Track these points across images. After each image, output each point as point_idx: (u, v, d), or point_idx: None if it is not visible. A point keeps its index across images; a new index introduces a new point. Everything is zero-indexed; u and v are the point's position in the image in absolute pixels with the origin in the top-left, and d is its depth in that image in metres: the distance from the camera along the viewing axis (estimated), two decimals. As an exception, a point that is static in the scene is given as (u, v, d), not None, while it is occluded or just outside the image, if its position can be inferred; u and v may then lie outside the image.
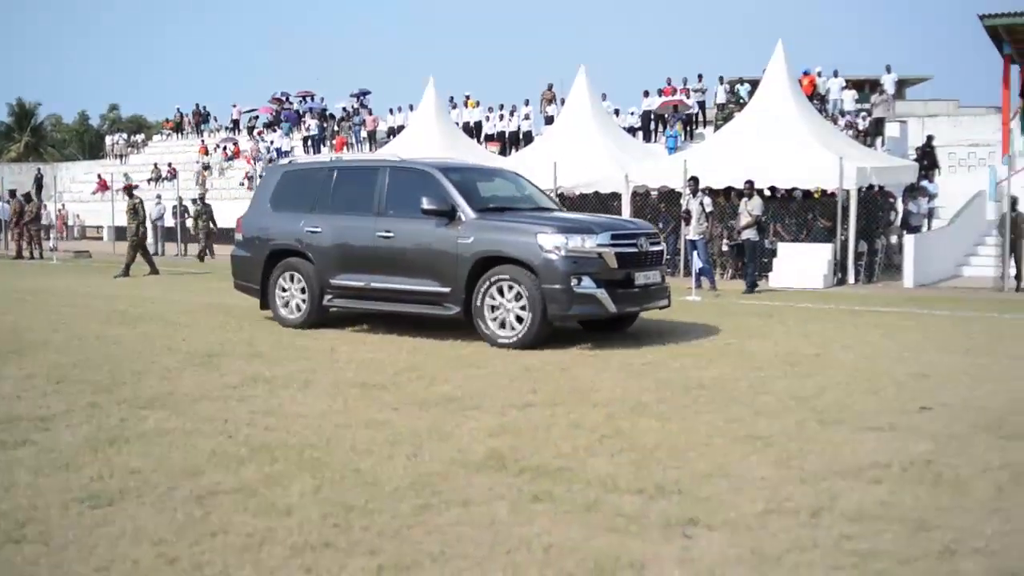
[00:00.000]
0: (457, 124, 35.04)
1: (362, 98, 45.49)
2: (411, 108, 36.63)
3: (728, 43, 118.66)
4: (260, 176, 36.83)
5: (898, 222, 22.67)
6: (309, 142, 43.03)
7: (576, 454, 5.94)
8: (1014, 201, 19.40)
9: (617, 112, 35.09)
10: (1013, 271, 18.95)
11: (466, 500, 4.99)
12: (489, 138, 37.10)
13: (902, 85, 37.57)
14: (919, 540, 4.41)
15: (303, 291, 12.07)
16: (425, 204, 10.86)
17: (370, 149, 38.97)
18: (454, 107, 38.16)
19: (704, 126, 34.68)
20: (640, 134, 33.99)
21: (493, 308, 10.50)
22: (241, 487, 5.21)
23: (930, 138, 28.23)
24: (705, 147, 25.29)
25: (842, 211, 20.46)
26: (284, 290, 12.27)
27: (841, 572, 4.07)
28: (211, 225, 29.79)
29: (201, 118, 51.24)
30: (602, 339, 10.78)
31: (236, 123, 49.81)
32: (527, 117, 37.13)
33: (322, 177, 12.52)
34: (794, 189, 22.60)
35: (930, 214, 24.21)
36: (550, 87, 37.39)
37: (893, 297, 17.34)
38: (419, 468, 5.60)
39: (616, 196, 23.44)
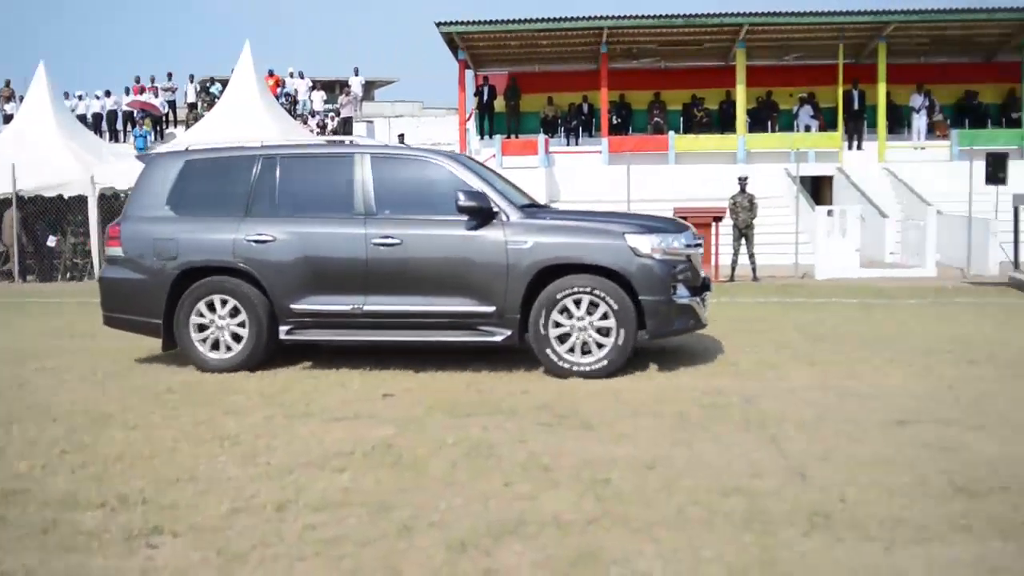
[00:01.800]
0: None
1: None
2: None
3: (198, 42, 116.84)
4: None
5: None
6: None
7: (33, 473, 5.54)
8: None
9: (81, 97, 33.58)
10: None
11: None
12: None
13: (371, 87, 39.29)
14: (380, 521, 4.60)
15: (242, 323, 9.02)
16: (462, 201, 8.43)
17: None
18: None
19: (175, 125, 33.93)
20: (107, 134, 32.61)
21: (560, 328, 8.45)
22: None
23: (401, 136, 29.81)
24: (177, 146, 24.70)
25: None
26: (205, 323, 9.09)
27: (305, 562, 4.14)
28: None
29: None
30: (80, 349, 9.94)
31: None
32: (-19, 116, 34.03)
33: (258, 169, 9.26)
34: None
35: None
36: (8, 84, 34.79)
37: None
38: None
39: (83, 199, 22.25)
